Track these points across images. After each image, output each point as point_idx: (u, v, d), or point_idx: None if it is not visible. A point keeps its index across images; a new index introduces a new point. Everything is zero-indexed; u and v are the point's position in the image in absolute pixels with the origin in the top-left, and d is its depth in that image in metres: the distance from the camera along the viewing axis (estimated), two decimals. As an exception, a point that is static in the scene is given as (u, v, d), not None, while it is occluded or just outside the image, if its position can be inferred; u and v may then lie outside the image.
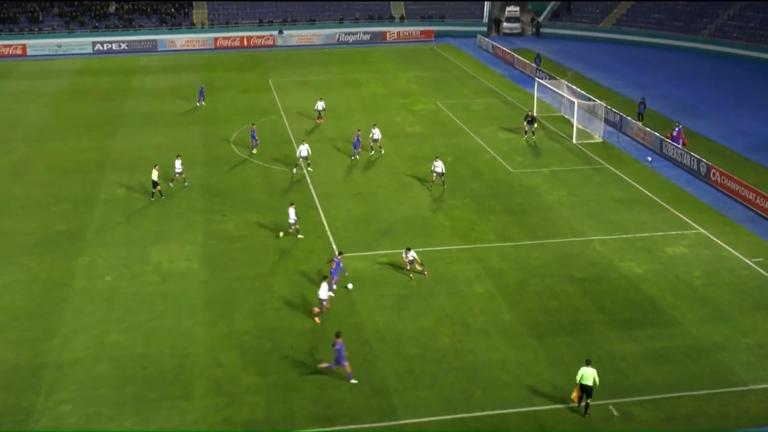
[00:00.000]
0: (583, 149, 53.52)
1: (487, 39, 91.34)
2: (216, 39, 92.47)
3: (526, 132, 55.76)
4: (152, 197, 44.82)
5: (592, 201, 44.68)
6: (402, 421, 26.62)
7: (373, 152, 52.20)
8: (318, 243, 39.48)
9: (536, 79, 65.95)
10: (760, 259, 37.54)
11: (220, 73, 78.42)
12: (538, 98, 63.10)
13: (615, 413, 26.79)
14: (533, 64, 75.62)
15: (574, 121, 56.30)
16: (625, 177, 48.28)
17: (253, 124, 54.15)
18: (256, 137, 52.48)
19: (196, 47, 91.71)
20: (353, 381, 28.51)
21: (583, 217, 42.39)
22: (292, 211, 39.89)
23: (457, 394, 27.90)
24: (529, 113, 56.96)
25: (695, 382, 28.49)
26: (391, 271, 36.44)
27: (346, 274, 35.30)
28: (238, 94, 69.25)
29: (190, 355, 30.18)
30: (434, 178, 46.14)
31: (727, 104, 65.59)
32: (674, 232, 40.57)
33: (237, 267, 37.16)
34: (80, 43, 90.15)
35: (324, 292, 32.11)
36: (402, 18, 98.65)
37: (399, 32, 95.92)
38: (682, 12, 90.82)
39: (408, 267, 35.87)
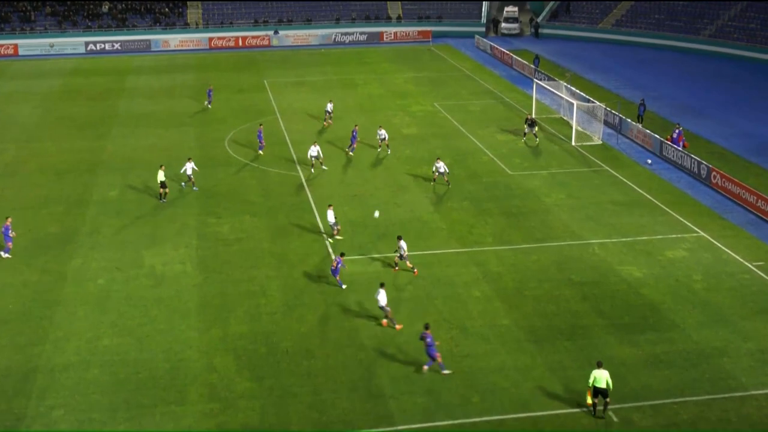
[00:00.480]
0: (582, 151, 53.57)
1: (485, 39, 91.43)
2: (210, 39, 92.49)
3: (525, 134, 55.81)
4: (161, 199, 44.82)
5: (592, 204, 44.71)
6: (398, 427, 26.57)
7: (380, 149, 52.80)
8: (314, 246, 39.46)
9: (535, 80, 66.00)
10: (761, 263, 37.58)
11: (214, 73, 78.40)
12: (536, 100, 63.15)
13: (615, 419, 26.79)
14: (532, 65, 75.69)
15: (573, 123, 56.35)
16: (624, 179, 48.33)
17: (260, 125, 54.31)
18: (263, 138, 52.78)
19: (191, 47, 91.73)
20: (446, 371, 28.88)
21: (582, 220, 42.42)
22: (330, 213, 39.87)
23: (455, 399, 27.87)
24: (529, 116, 57.04)
25: (696, 387, 28.49)
26: (388, 274, 36.40)
27: (345, 267, 35.74)
28: (232, 95, 69.25)
29: (183, 360, 30.14)
30: (437, 177, 46.37)
31: (728, 106, 65.69)
32: (674, 236, 40.61)
33: (232, 270, 37.12)
34: (73, 42, 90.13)
35: (383, 298, 31.86)
36: (399, 18, 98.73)
37: (396, 32, 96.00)
38: (683, 12, 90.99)
39: (397, 260, 36.44)
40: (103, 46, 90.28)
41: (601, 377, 26.54)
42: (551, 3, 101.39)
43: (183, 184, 46.66)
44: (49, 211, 44.00)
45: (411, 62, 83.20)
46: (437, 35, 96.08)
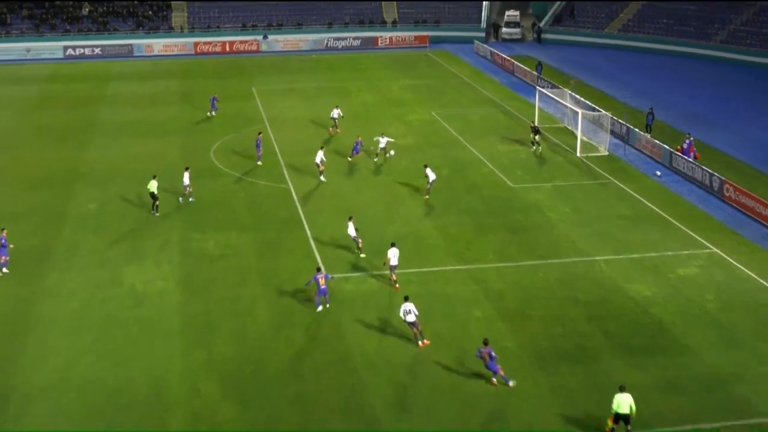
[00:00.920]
0: (588, 163, 53.51)
1: (485, 45, 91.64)
2: (196, 44, 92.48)
3: (533, 143, 55.61)
4: (155, 211, 44.56)
5: (598, 218, 44.60)
6: (394, 456, 26.40)
7: (377, 158, 53.02)
8: (304, 263, 39.20)
9: (537, 87, 66.05)
10: (777, 281, 37.52)
11: (200, 80, 78.36)
12: (539, 108, 63.15)
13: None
14: (534, 72, 75.79)
15: (578, 133, 56.33)
16: (632, 192, 48.25)
17: (259, 134, 54.04)
18: (261, 147, 52.77)
19: (175, 52, 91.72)
20: (511, 383, 29.21)
21: (588, 236, 42.28)
22: (351, 226, 39.46)
23: (454, 425, 27.63)
24: (533, 123, 57.01)
25: (711, 414, 28.23)
26: (381, 293, 36.19)
27: (332, 277, 35.75)
28: (219, 102, 69.06)
29: (165, 384, 29.85)
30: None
31: (741, 115, 65.79)
32: (685, 252, 40.49)
33: (217, 288, 36.88)
34: (51, 47, 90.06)
35: (412, 316, 31.64)
36: (394, 22, 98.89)
37: (391, 37, 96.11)
38: (693, 17, 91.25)
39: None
40: (82, 51, 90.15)
41: (624, 402, 26.33)
42: (554, 6, 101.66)
43: (180, 198, 46.28)
44: (24, 225, 43.67)
45: (407, 69, 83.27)
46: (435, 40, 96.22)
